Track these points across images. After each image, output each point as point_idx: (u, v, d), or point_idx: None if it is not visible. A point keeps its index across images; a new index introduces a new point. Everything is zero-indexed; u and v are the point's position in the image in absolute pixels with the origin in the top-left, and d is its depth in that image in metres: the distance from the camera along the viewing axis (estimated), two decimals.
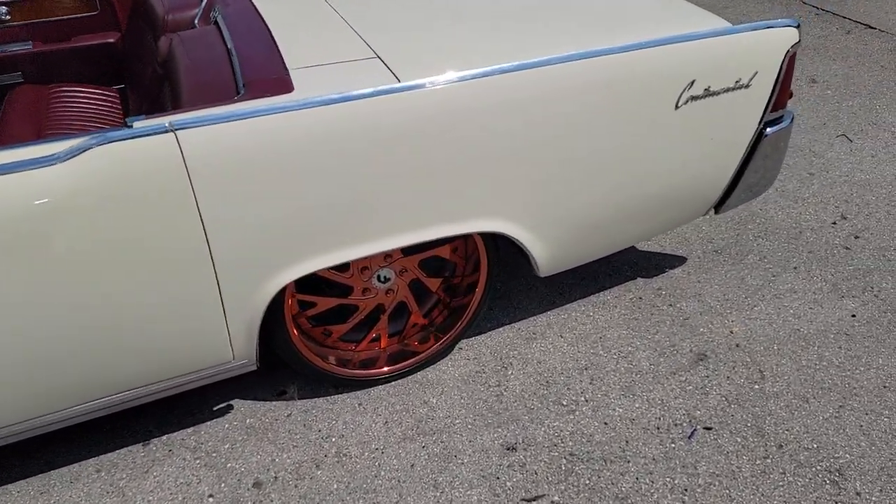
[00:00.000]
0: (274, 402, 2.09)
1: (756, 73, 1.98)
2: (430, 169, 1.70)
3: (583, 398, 2.06)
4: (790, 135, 2.23)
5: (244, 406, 2.08)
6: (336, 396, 2.10)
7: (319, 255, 1.70)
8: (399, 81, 1.65)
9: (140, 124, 1.47)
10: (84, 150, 1.43)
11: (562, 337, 2.28)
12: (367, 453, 1.92)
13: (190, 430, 2.01)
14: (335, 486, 1.84)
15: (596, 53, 1.79)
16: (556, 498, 1.80)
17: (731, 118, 2.03)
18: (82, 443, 1.98)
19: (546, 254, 2.02)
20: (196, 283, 1.61)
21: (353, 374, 2.07)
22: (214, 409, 2.08)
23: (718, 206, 2.27)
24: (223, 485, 1.85)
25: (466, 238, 2.04)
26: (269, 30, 1.92)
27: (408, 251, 2.00)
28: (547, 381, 2.12)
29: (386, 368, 2.11)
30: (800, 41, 2.03)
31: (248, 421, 2.03)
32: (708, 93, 1.94)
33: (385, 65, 1.72)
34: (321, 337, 2.07)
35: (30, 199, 1.39)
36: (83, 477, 1.88)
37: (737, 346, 2.22)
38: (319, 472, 1.88)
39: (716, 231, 2.74)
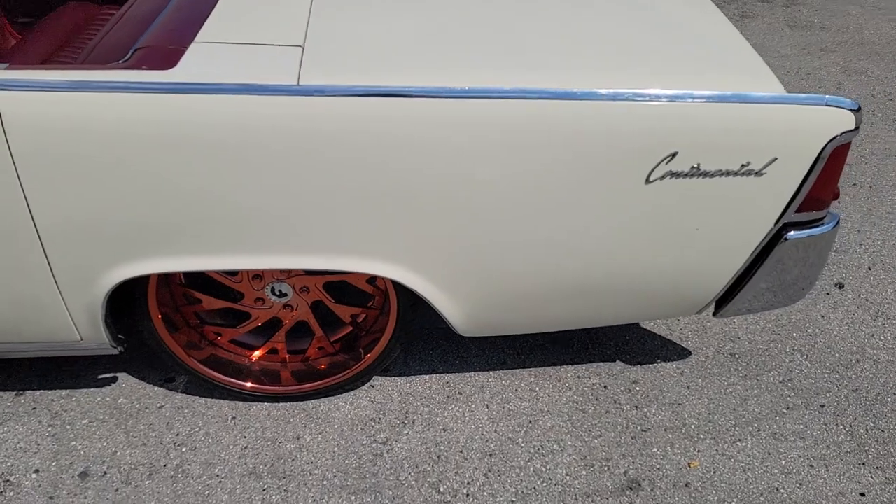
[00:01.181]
0: (155, 388, 1.95)
1: (774, 159, 1.48)
2: (296, 190, 1.43)
3: (465, 491, 1.73)
4: (832, 243, 1.68)
5: (127, 383, 1.97)
6: (217, 402, 1.92)
7: (162, 258, 1.50)
8: (296, 81, 1.38)
9: None
10: None
11: (487, 407, 1.94)
12: (204, 477, 1.74)
13: (64, 392, 1.93)
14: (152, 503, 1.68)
15: (537, 94, 1.40)
16: None
17: (731, 210, 1.55)
18: None
19: (461, 314, 1.68)
20: (25, 257, 1.48)
21: (226, 381, 1.87)
22: (99, 377, 1.98)
23: (718, 308, 1.80)
24: (54, 463, 1.75)
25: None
26: None
27: (311, 270, 1.74)
28: (438, 457, 1.80)
29: (251, 385, 1.88)
30: (857, 129, 1.49)
31: (119, 401, 1.92)
32: (696, 171, 1.48)
33: (300, 57, 1.45)
34: (206, 335, 1.88)
35: None
36: None
37: (686, 485, 1.76)
38: (148, 483, 1.72)
39: (746, 328, 2.22)
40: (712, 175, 1.49)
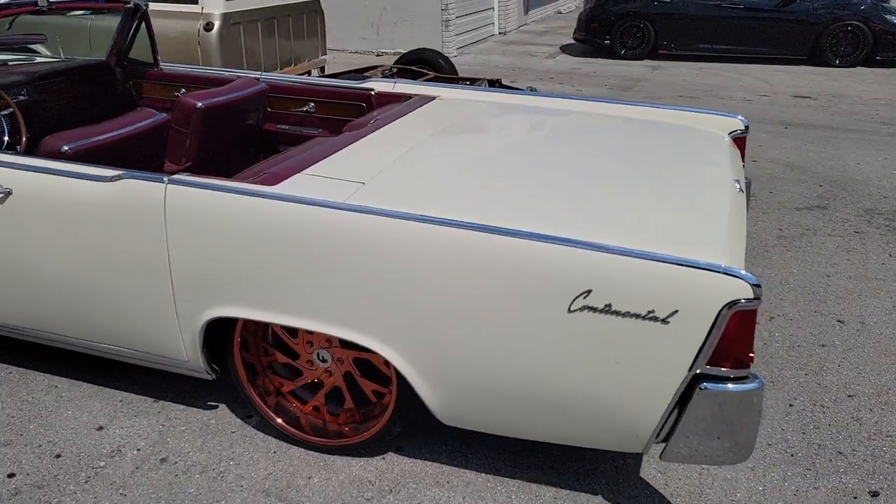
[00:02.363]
0: (237, 419, 2.60)
1: (676, 311, 1.78)
2: (322, 272, 2.06)
3: None
4: (754, 405, 1.84)
5: (223, 411, 2.65)
6: (270, 439, 2.51)
7: (237, 308, 2.20)
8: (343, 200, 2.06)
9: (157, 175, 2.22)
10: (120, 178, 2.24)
11: (463, 499, 2.26)
12: (234, 484, 2.30)
13: (182, 407, 2.67)
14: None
15: (489, 230, 1.90)
16: None
17: (645, 350, 1.84)
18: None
19: (439, 400, 2.11)
20: (162, 293, 2.28)
21: (278, 424, 2.46)
22: (208, 403, 2.69)
23: (664, 449, 1.99)
24: (150, 448, 2.46)
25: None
26: (355, 140, 2.53)
27: (346, 345, 2.32)
28: None
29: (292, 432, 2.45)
30: (759, 299, 1.74)
31: (211, 421, 2.60)
32: (609, 310, 1.83)
33: (356, 189, 2.13)
34: (274, 383, 2.51)
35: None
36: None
37: None
38: (197, 477, 2.33)
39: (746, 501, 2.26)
40: (623, 315, 1.82)
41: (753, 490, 2.30)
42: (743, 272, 1.75)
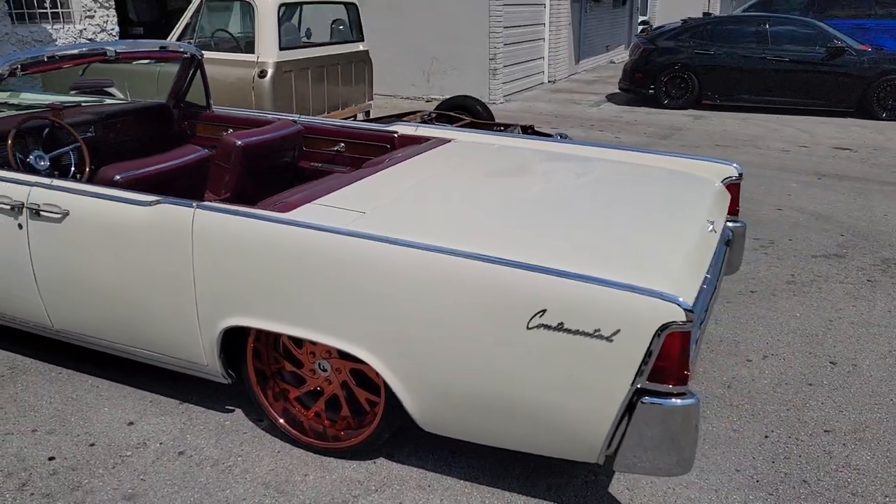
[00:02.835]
0: (250, 422, 2.90)
1: (618, 331, 2.00)
2: (321, 286, 2.36)
3: None
4: (690, 419, 2.02)
5: (238, 415, 2.95)
6: (277, 441, 2.79)
7: (249, 318, 2.52)
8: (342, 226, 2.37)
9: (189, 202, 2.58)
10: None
11: (440, 501, 2.48)
12: (239, 476, 2.59)
13: (201, 409, 2.99)
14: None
15: (461, 254, 2.17)
16: None
17: (595, 365, 2.06)
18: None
19: (418, 407, 2.37)
20: (187, 304, 2.62)
21: (281, 426, 2.74)
22: (226, 407, 3.00)
23: (614, 460, 2.19)
24: (171, 441, 2.77)
25: None
26: (366, 176, 2.87)
27: (343, 356, 2.60)
28: None
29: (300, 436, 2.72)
30: (692, 322, 1.95)
31: (226, 423, 2.90)
32: (561, 328, 2.06)
33: (357, 217, 2.44)
34: (280, 388, 2.80)
35: None
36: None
37: None
38: (209, 470, 2.62)
39: None
40: (574, 333, 2.05)
41: None
42: (679, 298, 1.97)
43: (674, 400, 2.02)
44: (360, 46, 7.31)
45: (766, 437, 2.85)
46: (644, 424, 2.06)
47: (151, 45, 3.97)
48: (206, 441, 2.79)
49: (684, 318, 1.95)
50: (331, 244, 2.34)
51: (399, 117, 6.02)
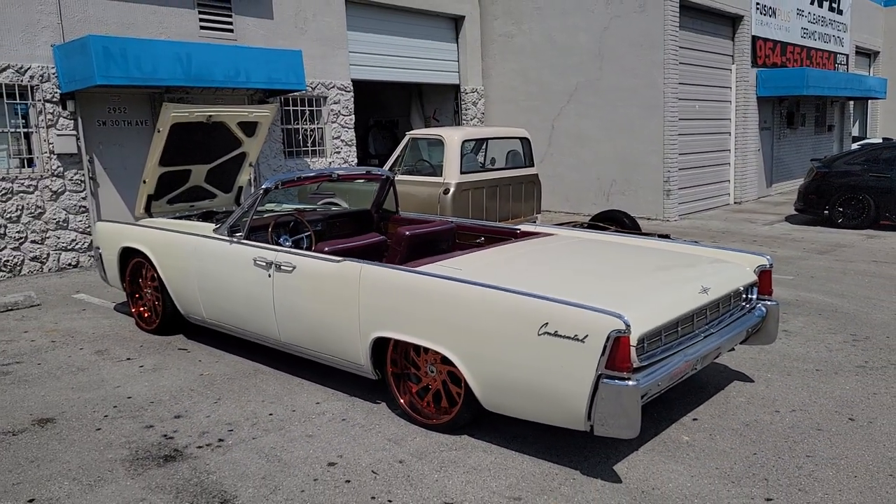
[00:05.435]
0: (359, 415, 4.38)
1: (588, 335, 3.23)
2: (426, 312, 3.85)
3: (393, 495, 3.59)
4: (633, 397, 3.13)
5: (358, 406, 4.45)
6: (377, 425, 4.23)
7: (392, 331, 4.06)
8: (444, 276, 3.90)
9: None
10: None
11: (487, 451, 3.73)
12: (324, 455, 4.06)
13: (338, 403, 4.54)
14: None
15: (481, 285, 3.55)
16: None
17: (577, 358, 3.28)
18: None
19: (481, 392, 3.70)
20: (355, 321, 4.24)
21: (407, 412, 4.18)
22: (356, 403, 4.53)
23: (591, 427, 3.33)
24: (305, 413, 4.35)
25: None
26: (479, 250, 4.40)
27: (444, 361, 4.01)
28: (409, 479, 3.71)
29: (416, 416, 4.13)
30: (629, 331, 3.12)
31: (349, 413, 4.41)
32: (556, 334, 3.33)
33: (455, 272, 3.95)
34: (407, 386, 4.25)
35: None
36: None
37: None
38: (295, 443, 4.14)
39: None
40: (563, 337, 3.31)
41: None
42: (624, 316, 3.16)
43: (621, 382, 3.17)
44: (530, 171, 9.02)
45: (755, 454, 3.70)
46: (602, 398, 3.21)
47: (361, 170, 5.94)
48: (359, 415, 4.31)
49: (623, 328, 3.13)
50: (436, 286, 3.84)
51: (559, 225, 7.50)
